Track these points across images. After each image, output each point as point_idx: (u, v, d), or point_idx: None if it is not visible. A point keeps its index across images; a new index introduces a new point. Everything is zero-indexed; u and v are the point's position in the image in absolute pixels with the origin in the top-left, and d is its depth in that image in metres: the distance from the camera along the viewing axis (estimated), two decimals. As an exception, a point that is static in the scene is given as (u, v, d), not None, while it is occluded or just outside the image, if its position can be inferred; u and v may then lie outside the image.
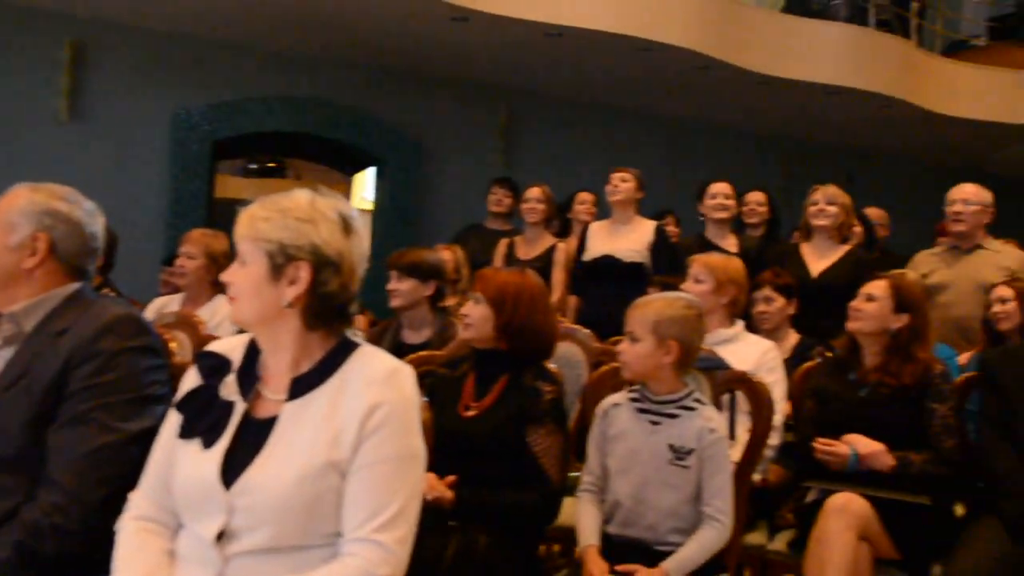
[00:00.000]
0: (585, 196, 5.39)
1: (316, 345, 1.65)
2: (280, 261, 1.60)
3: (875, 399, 2.68)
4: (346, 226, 1.66)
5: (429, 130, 7.28)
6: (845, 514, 2.46)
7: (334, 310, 1.64)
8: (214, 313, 3.75)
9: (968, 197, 4.03)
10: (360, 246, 1.68)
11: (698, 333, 2.40)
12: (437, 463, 2.07)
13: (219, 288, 4.14)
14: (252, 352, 1.70)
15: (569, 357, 3.22)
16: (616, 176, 4.53)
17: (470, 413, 2.41)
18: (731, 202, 4.52)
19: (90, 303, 1.92)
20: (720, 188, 4.53)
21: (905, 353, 2.68)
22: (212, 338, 2.87)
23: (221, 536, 1.54)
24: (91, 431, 1.75)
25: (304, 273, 1.60)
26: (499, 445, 2.35)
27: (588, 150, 7.60)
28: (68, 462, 1.73)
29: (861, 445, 2.58)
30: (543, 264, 4.90)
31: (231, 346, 1.73)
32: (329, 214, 1.64)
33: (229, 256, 4.22)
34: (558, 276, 4.87)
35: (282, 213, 1.63)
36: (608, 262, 4.40)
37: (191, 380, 1.70)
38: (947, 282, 4.00)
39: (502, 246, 4.96)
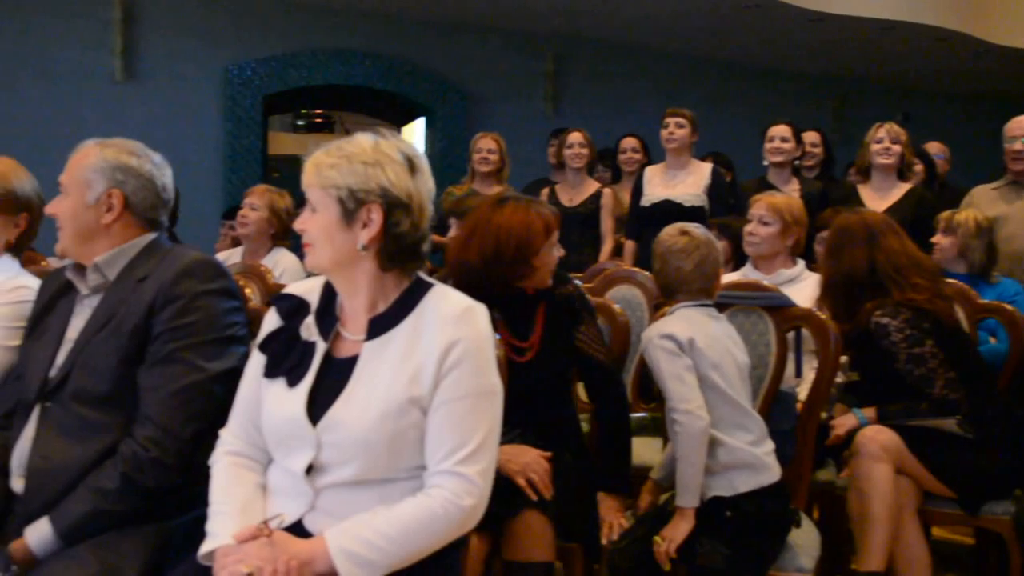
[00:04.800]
0: (632, 141, 5.35)
1: (391, 286, 1.69)
2: (351, 206, 1.63)
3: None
4: (412, 166, 1.68)
5: (477, 79, 7.28)
6: (874, 445, 2.51)
7: (407, 250, 1.67)
8: (275, 264, 3.83)
9: (1026, 132, 3.95)
10: (427, 184, 1.71)
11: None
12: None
13: (278, 241, 4.23)
14: (328, 294, 1.74)
15: (630, 299, 3.26)
16: (672, 120, 4.50)
17: (526, 357, 2.35)
18: (787, 145, 4.45)
19: (167, 251, 1.98)
20: (776, 131, 4.47)
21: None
22: (280, 286, 2.94)
23: (310, 470, 1.60)
24: (177, 370, 1.82)
25: (376, 215, 1.63)
26: (562, 376, 2.38)
27: (637, 94, 7.53)
28: (159, 400, 1.81)
29: (865, 411, 2.68)
30: (588, 210, 4.90)
31: (308, 288, 1.78)
32: (394, 155, 1.67)
33: (291, 213, 4.31)
34: (607, 223, 4.87)
35: (348, 158, 1.65)
36: (667, 206, 4.38)
37: (271, 322, 1.75)
38: (1007, 216, 3.93)
39: (543, 195, 4.96)
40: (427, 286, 1.70)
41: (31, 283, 2.14)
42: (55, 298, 2.01)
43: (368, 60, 6.94)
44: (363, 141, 1.68)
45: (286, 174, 8.98)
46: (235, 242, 4.67)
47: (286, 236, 4.31)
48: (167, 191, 2.04)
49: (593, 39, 7.52)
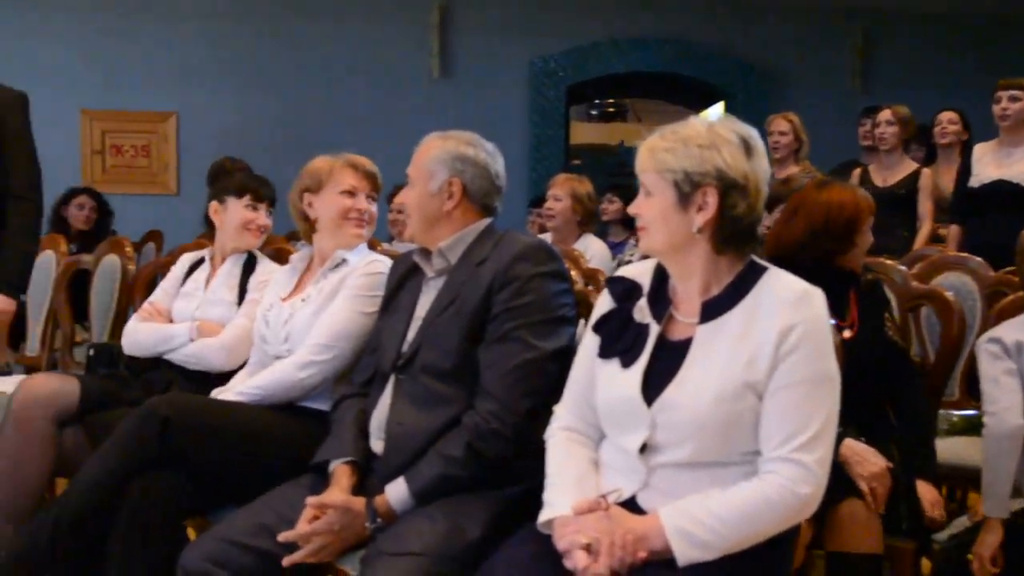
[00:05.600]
0: (951, 115, 4.91)
1: (725, 268, 1.68)
2: (687, 189, 1.64)
3: None
4: (747, 147, 1.66)
5: (777, 58, 7.05)
6: None
7: (742, 232, 1.66)
8: (585, 250, 3.94)
9: None
10: (762, 166, 1.68)
11: None
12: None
13: (585, 227, 4.35)
14: (660, 277, 1.77)
15: (960, 287, 3.03)
16: (1005, 94, 4.11)
17: (848, 334, 2.30)
18: None
19: (501, 235, 2.10)
20: None
21: None
22: (594, 270, 3.03)
23: (644, 449, 1.63)
24: (514, 348, 1.93)
25: (711, 198, 1.63)
26: (880, 360, 2.30)
27: (957, 66, 6.92)
28: (498, 375, 1.92)
29: None
30: (905, 191, 4.59)
31: (639, 271, 1.81)
32: (729, 137, 1.66)
33: (592, 199, 4.43)
34: (926, 205, 4.54)
35: (683, 142, 1.66)
36: (1001, 187, 4.02)
37: (604, 304, 1.80)
38: None
39: (854, 176, 4.70)
40: (762, 269, 1.68)
41: (383, 258, 2.40)
42: (404, 279, 2.20)
43: (667, 46, 6.95)
44: (698, 124, 1.69)
45: (586, 162, 9.21)
46: (541, 229, 4.86)
47: (591, 222, 4.43)
48: (500, 178, 2.17)
49: (906, 9, 7.01)
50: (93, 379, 2.79)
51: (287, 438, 2.23)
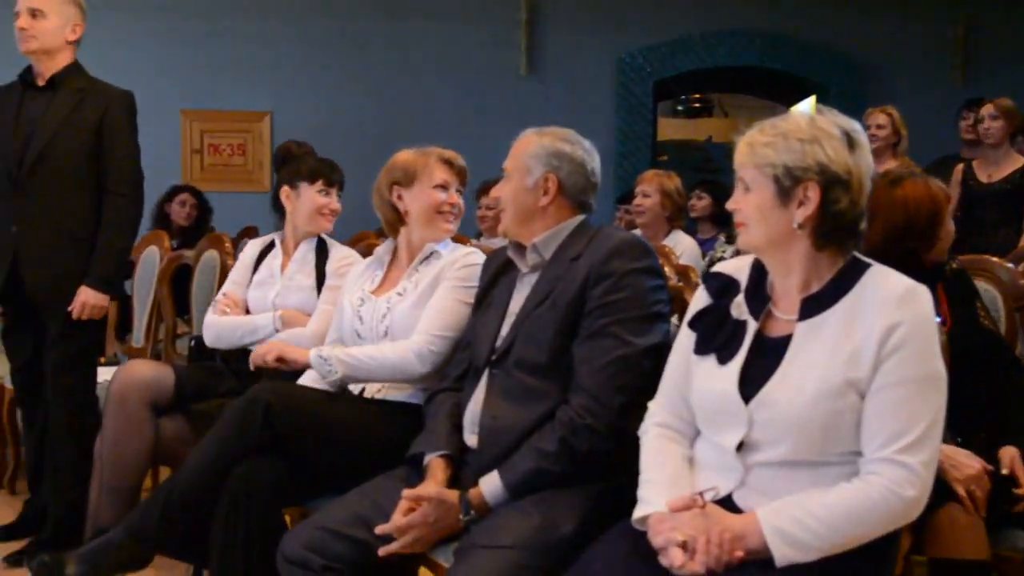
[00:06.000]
0: None
1: (826, 265, 1.64)
2: (787, 184, 1.61)
3: None
4: (850, 141, 1.62)
5: (873, 50, 6.87)
6: None
7: (844, 228, 1.62)
8: (675, 245, 3.91)
9: None
10: (866, 160, 1.64)
11: None
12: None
13: (674, 223, 4.32)
14: (758, 273, 1.74)
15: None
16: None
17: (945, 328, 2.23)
18: None
19: (596, 231, 2.09)
20: None
21: None
22: (685, 266, 3.00)
23: (741, 446, 1.61)
24: (608, 344, 1.92)
25: (813, 193, 1.60)
26: (976, 353, 2.23)
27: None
28: (592, 370, 1.92)
29: None
30: (1011, 186, 4.42)
31: (736, 267, 1.78)
32: (831, 131, 1.62)
33: (681, 194, 4.39)
34: (1040, 201, 4.37)
35: (783, 136, 1.63)
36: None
37: (700, 300, 1.78)
38: None
39: (957, 172, 4.55)
40: (864, 266, 1.64)
41: (477, 251, 2.46)
42: (497, 275, 2.22)
43: (757, 39, 6.83)
44: (798, 117, 1.66)
45: (673, 158, 9.12)
46: (629, 225, 4.84)
47: (680, 218, 4.39)
48: (596, 175, 2.17)
49: (1013, -2, 6.77)
50: (188, 369, 2.88)
51: (383, 430, 2.28)
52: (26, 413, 3.36)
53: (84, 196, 3.05)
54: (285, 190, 3.01)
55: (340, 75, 6.56)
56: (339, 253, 2.98)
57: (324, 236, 3.01)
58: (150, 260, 4.01)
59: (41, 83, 3.09)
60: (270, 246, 3.08)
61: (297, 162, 3.09)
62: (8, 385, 3.63)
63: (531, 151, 2.13)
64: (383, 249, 2.64)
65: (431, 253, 2.49)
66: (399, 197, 2.52)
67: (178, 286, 3.84)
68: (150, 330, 3.91)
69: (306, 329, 2.76)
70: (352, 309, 2.53)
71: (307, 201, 2.96)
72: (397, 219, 2.56)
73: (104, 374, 3.52)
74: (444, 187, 2.50)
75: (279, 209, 3.10)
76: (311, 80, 6.55)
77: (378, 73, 6.57)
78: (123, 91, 3.18)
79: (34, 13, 3.03)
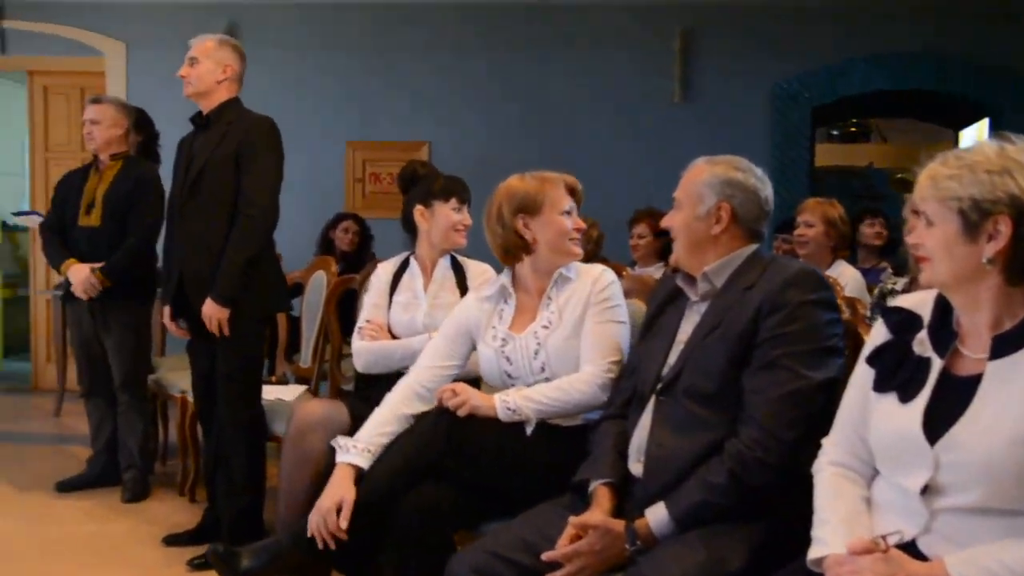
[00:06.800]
0: None
1: (1019, 301, 1.56)
2: (974, 217, 1.54)
3: None
4: None
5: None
6: None
7: None
8: (839, 276, 3.78)
9: None
10: None
11: None
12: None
13: (839, 253, 4.18)
14: (942, 308, 1.68)
15: None
16: None
17: None
18: None
19: (768, 261, 2.07)
20: None
21: None
22: (851, 299, 2.90)
23: (926, 490, 1.55)
24: (781, 376, 1.89)
25: (1004, 227, 1.53)
26: None
27: None
28: (763, 402, 1.89)
29: None
30: None
31: (918, 301, 1.72)
32: (1023, 160, 1.55)
33: (846, 221, 4.25)
34: None
35: (970, 168, 1.57)
36: None
37: (879, 335, 1.73)
38: None
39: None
40: (1062, 303, 1.56)
41: (605, 268, 2.56)
42: (665, 303, 2.21)
43: (921, 62, 6.56)
44: (986, 148, 1.59)
45: (831, 184, 8.85)
46: (793, 253, 4.72)
47: (845, 247, 4.26)
48: (769, 203, 2.14)
49: None
50: (357, 402, 2.98)
51: (548, 454, 2.30)
52: (204, 424, 3.58)
53: (224, 219, 3.30)
54: (419, 209, 3.09)
55: (494, 104, 6.71)
56: (477, 268, 3.05)
57: (453, 252, 3.10)
58: (318, 284, 4.20)
59: (202, 122, 3.42)
60: (402, 267, 3.16)
61: (428, 181, 3.16)
62: (190, 399, 3.87)
63: (704, 180, 2.12)
64: (504, 281, 2.61)
65: (560, 277, 2.51)
66: (525, 225, 2.52)
67: (344, 309, 4.01)
68: (317, 351, 4.09)
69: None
70: (494, 352, 2.53)
71: (442, 218, 3.05)
72: (523, 247, 2.54)
73: (274, 392, 3.70)
74: (569, 212, 2.54)
75: (411, 229, 3.17)
76: (467, 109, 6.72)
77: (532, 101, 6.68)
78: (262, 117, 3.41)
79: (192, 62, 3.38)
